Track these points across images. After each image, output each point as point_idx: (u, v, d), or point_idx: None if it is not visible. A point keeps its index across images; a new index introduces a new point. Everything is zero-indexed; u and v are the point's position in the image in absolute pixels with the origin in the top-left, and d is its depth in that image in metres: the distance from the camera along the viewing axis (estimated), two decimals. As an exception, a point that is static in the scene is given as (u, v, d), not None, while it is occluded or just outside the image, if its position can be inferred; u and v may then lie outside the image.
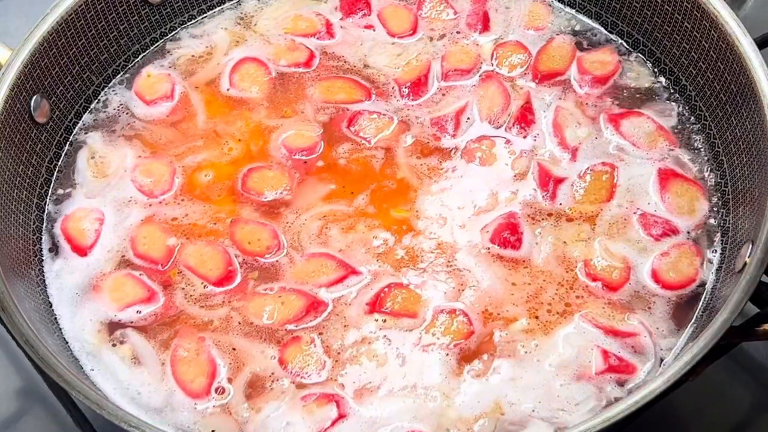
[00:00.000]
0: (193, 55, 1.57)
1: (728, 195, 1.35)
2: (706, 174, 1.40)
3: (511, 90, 1.49)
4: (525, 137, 1.44)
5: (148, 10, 1.55)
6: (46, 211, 1.41)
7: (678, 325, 1.27)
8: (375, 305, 1.29)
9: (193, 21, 1.61)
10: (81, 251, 1.36)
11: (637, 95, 1.49)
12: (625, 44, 1.54)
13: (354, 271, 1.32)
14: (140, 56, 1.57)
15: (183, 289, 1.32)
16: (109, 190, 1.42)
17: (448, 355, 1.24)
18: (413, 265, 1.32)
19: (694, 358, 1.09)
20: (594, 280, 1.30)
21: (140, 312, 1.30)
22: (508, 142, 1.43)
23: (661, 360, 1.24)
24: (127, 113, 1.50)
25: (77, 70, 1.47)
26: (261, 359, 1.25)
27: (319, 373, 1.24)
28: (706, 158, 1.41)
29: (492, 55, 1.53)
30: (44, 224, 1.40)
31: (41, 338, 1.16)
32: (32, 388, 1.45)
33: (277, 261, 1.33)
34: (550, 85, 1.50)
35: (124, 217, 1.39)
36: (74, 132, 1.49)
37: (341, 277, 1.31)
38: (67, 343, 1.29)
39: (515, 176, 1.40)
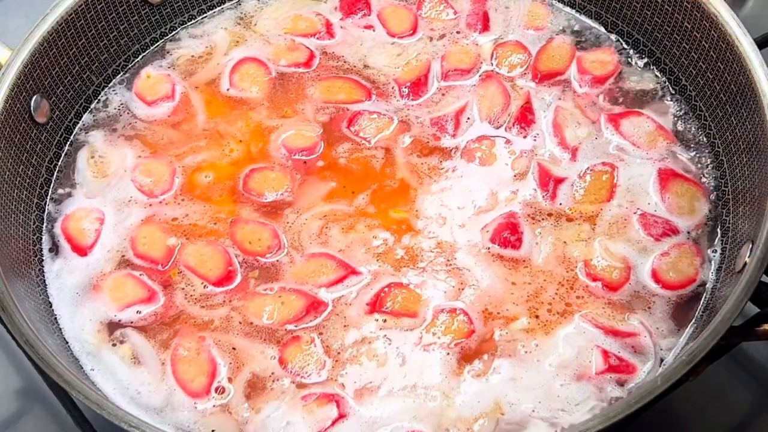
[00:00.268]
0: (192, 56, 1.57)
1: (728, 195, 1.35)
2: (706, 174, 1.40)
3: (511, 90, 1.49)
4: (525, 137, 1.44)
5: (148, 10, 1.55)
6: (46, 211, 1.41)
7: (678, 325, 1.27)
8: (375, 305, 1.29)
9: (193, 21, 1.61)
10: (81, 251, 1.36)
11: (637, 95, 1.49)
12: (624, 44, 1.54)
13: (354, 271, 1.32)
14: (140, 56, 1.57)
15: (183, 289, 1.32)
16: (109, 190, 1.42)
17: (448, 354, 1.24)
18: (413, 265, 1.32)
19: (694, 358, 1.09)
20: (594, 280, 1.30)
21: (140, 312, 1.30)
22: (508, 142, 1.43)
23: (661, 360, 1.24)
24: (128, 113, 1.50)
25: (77, 70, 1.47)
26: (261, 359, 1.25)
27: (319, 373, 1.24)
28: (706, 158, 1.41)
29: (492, 55, 1.54)
30: (44, 224, 1.40)
31: (41, 338, 1.16)
32: (32, 388, 1.45)
33: (277, 261, 1.33)
34: (549, 85, 1.50)
35: (124, 217, 1.39)
36: (74, 132, 1.49)
37: (341, 277, 1.31)
38: (67, 343, 1.29)
39: (515, 176, 1.40)
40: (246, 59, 1.54)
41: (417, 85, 1.50)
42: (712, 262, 1.31)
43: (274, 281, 1.32)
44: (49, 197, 1.42)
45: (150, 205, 1.40)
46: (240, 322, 1.29)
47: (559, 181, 1.39)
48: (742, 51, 1.31)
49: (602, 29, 1.56)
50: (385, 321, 1.28)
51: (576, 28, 1.57)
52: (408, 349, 1.25)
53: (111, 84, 1.54)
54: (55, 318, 1.31)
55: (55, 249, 1.37)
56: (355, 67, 1.54)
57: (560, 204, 1.37)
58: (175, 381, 1.24)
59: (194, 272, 1.33)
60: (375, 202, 1.39)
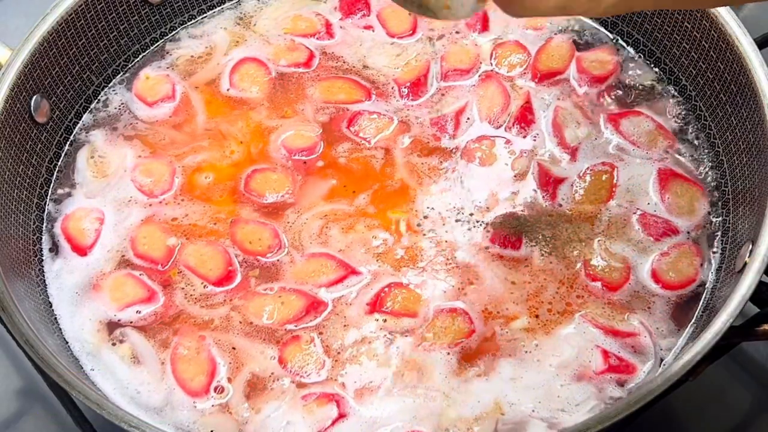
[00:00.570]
0: (192, 56, 1.57)
1: (728, 195, 1.35)
2: (706, 174, 1.40)
3: (511, 90, 1.49)
4: (525, 137, 1.44)
5: (148, 10, 1.55)
6: (46, 211, 1.41)
7: (678, 325, 1.26)
8: (375, 305, 1.29)
9: (192, 21, 1.61)
10: (81, 251, 1.36)
11: (637, 94, 1.49)
12: (624, 44, 1.54)
13: (354, 271, 1.32)
14: (140, 56, 1.57)
15: (183, 288, 1.32)
16: (109, 190, 1.42)
17: (449, 354, 1.24)
18: (413, 265, 1.32)
19: (694, 358, 1.09)
20: (594, 280, 1.30)
21: (140, 312, 1.30)
22: (508, 142, 1.43)
23: (661, 360, 1.24)
24: (128, 114, 1.50)
25: (77, 70, 1.47)
26: (261, 359, 1.25)
27: (319, 373, 1.24)
28: (706, 158, 1.41)
29: (491, 55, 1.53)
30: (44, 224, 1.40)
31: (41, 338, 1.16)
32: (32, 388, 1.45)
33: (278, 260, 1.33)
34: (549, 84, 1.50)
35: (124, 217, 1.39)
36: (74, 132, 1.49)
37: (341, 277, 1.31)
38: (67, 343, 1.29)
39: (515, 176, 1.40)
40: (246, 59, 1.54)
41: (417, 86, 1.50)
42: (712, 262, 1.31)
43: (274, 281, 1.32)
44: (49, 197, 1.42)
45: (150, 205, 1.40)
46: (240, 322, 1.29)
47: (559, 181, 1.39)
48: (742, 51, 1.31)
49: (602, 29, 1.56)
50: (385, 321, 1.28)
51: (575, 27, 1.57)
52: (408, 349, 1.25)
53: (111, 84, 1.54)
54: (55, 318, 1.31)
55: (55, 249, 1.37)
56: (354, 67, 1.54)
57: (560, 204, 1.37)
58: (175, 380, 1.24)
59: (194, 272, 1.33)
60: (375, 203, 1.39)
